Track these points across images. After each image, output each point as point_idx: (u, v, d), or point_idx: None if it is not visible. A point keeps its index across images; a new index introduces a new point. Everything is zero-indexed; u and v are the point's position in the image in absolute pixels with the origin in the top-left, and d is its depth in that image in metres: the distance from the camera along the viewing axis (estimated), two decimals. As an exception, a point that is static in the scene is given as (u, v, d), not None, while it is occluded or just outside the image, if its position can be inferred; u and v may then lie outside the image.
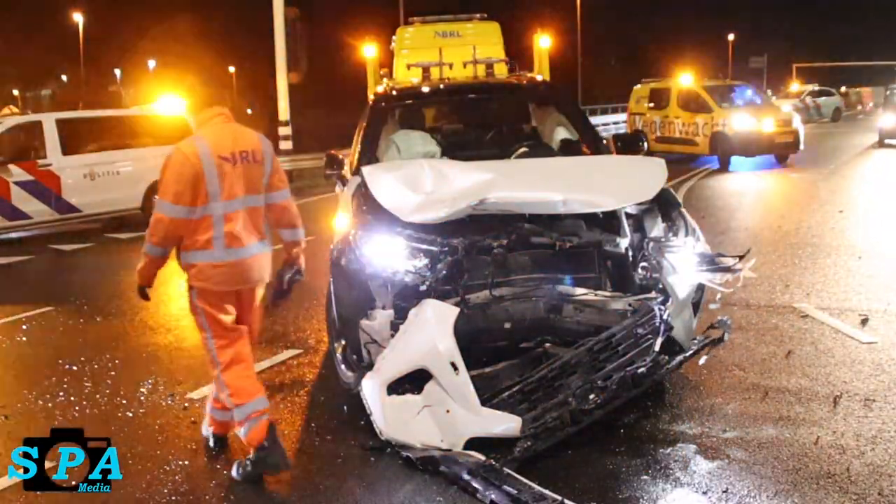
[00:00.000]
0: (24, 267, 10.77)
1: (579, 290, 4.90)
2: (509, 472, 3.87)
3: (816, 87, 41.23)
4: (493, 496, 3.65)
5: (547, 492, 3.68)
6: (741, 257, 4.78)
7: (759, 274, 7.83)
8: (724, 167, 18.72)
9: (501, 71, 8.64)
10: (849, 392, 4.86)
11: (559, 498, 3.59)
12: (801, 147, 19.33)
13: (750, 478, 3.87)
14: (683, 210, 5.22)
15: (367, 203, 5.07)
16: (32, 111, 23.42)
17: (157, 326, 7.21)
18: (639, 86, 23.48)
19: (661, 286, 4.77)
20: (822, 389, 4.93)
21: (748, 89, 21.92)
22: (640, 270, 4.87)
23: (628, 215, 5.17)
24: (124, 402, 5.30)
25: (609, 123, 35.19)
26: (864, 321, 6.25)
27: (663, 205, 5.22)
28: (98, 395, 5.44)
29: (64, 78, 63.24)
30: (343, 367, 4.83)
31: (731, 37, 67.25)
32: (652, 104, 21.94)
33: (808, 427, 4.39)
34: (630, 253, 4.97)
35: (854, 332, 5.98)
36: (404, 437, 4.20)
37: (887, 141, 22.30)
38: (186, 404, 5.21)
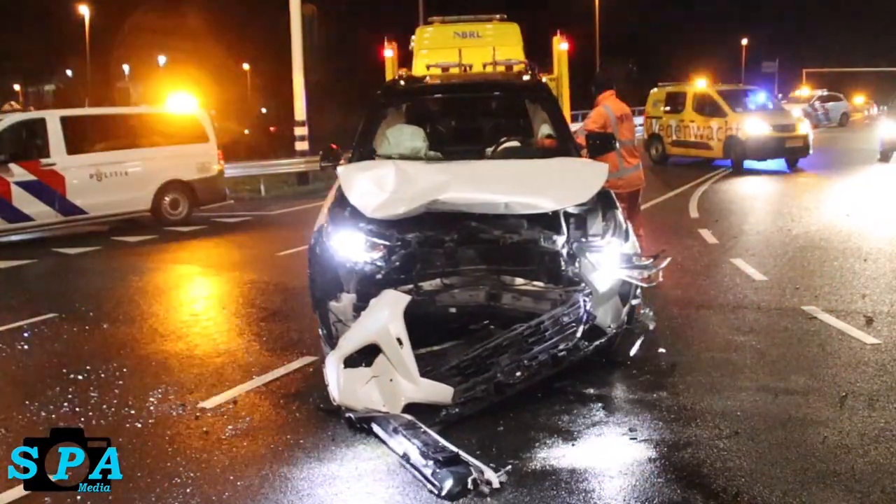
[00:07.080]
0: (25, 271, 10.32)
1: (518, 281, 5.60)
2: (425, 429, 4.40)
3: (825, 93, 41.20)
4: (405, 449, 4.22)
5: (449, 445, 4.17)
6: (655, 257, 5.39)
7: (771, 277, 8.03)
8: (737, 170, 18.85)
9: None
10: (854, 392, 5.00)
11: (455, 450, 4.10)
12: (810, 151, 19.47)
13: (761, 479, 3.95)
14: (618, 212, 5.69)
15: (341, 198, 5.67)
16: (35, 107, 22.12)
17: (167, 333, 6.99)
18: (655, 89, 23.40)
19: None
20: (829, 390, 5.06)
21: (761, 93, 22.01)
22: (575, 265, 5.37)
23: (571, 215, 5.62)
24: (132, 412, 5.12)
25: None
26: (869, 322, 6.40)
27: (603, 206, 5.67)
28: (104, 405, 5.24)
29: (69, 73, 60.40)
30: (324, 344, 5.36)
31: (744, 41, 67.16)
32: (668, 108, 21.88)
33: (815, 427, 4.51)
34: (565, 249, 5.43)
35: (859, 334, 6.12)
36: (353, 402, 4.75)
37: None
38: (198, 414, 5.05)
